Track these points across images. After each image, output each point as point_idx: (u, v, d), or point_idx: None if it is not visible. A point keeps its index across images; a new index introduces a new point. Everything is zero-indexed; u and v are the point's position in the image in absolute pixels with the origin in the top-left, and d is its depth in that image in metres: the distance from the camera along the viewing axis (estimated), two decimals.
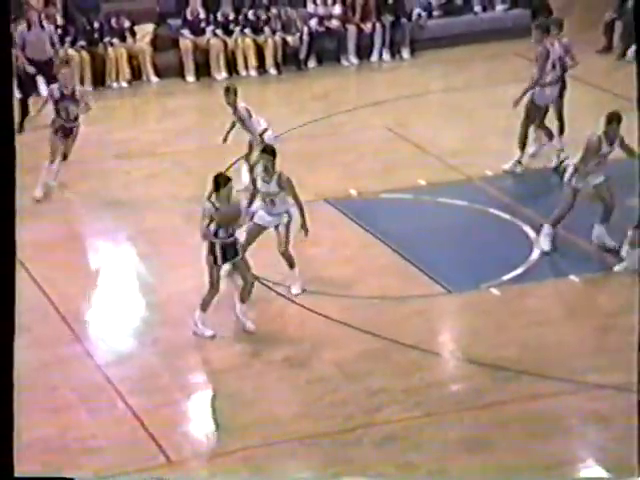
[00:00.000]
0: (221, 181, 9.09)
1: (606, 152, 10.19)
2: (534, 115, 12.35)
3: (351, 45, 17.18)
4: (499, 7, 18.10)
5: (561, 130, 12.69)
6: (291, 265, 9.93)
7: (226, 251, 9.10)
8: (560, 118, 12.68)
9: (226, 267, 9.46)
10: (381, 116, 14.58)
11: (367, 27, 17.23)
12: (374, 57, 17.30)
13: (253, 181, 10.64)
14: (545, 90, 12.30)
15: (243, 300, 9.34)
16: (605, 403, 8.26)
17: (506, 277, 10.10)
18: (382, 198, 11.93)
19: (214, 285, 9.18)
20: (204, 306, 9.23)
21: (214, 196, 9.08)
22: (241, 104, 11.78)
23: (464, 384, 8.70)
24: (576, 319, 9.37)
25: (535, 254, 10.51)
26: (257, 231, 9.96)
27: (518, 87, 12.72)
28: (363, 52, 17.25)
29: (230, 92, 11.75)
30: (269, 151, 9.92)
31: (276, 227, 9.92)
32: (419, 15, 17.56)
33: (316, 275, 10.25)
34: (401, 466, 7.62)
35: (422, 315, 9.67)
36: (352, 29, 17.17)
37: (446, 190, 11.93)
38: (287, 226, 9.87)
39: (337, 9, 17.35)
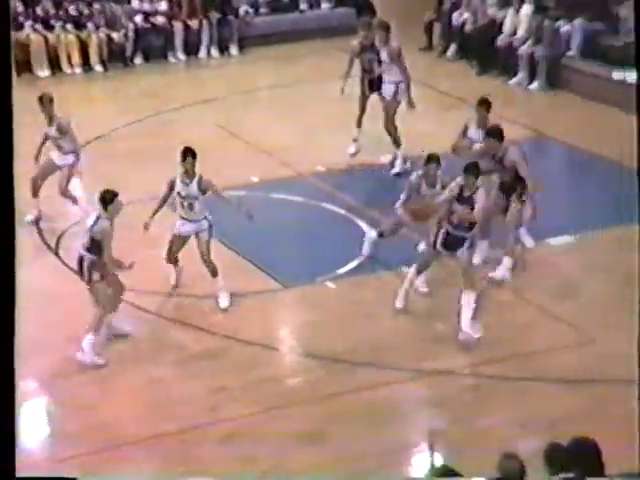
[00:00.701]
0: (107, 197, 8.79)
1: (426, 194, 9.73)
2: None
3: (178, 42, 17.05)
4: (325, 5, 18.35)
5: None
6: (214, 274, 9.69)
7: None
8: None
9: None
10: (211, 113, 14.52)
11: (194, 24, 17.12)
12: (202, 54, 17.22)
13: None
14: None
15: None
16: (439, 388, 8.49)
17: (341, 271, 10.23)
18: (214, 195, 11.84)
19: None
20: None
21: (104, 214, 8.77)
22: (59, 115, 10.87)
23: (302, 378, 8.78)
24: (409, 309, 9.56)
25: (367, 248, 10.65)
26: (180, 242, 9.73)
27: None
28: (191, 49, 17.15)
29: (45, 101, 10.83)
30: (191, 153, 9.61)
31: (197, 234, 9.68)
32: (246, 12, 17.59)
33: (153, 276, 10.11)
34: (243, 462, 7.61)
35: (259, 311, 9.69)
36: (178, 25, 17.03)
37: (279, 186, 11.98)
38: (209, 232, 9.64)
39: (163, 5, 17.18)
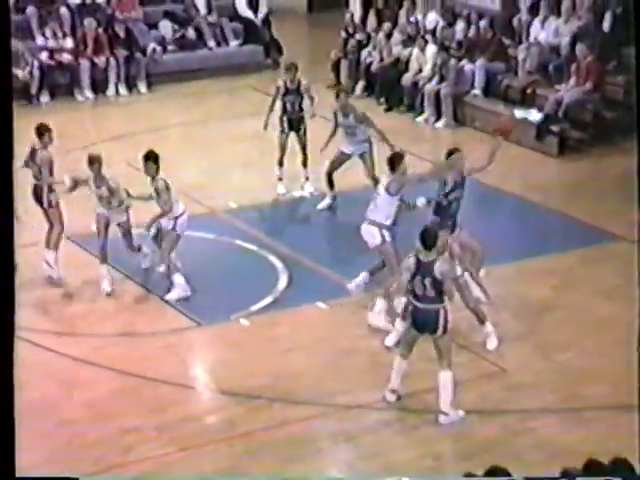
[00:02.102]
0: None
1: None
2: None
3: (85, 79, 16.92)
4: (232, 43, 18.43)
5: (304, 162, 12.92)
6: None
7: None
8: (304, 150, 12.89)
9: None
10: (120, 151, 14.41)
11: (101, 61, 17.03)
12: (110, 91, 17.13)
13: None
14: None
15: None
16: (353, 422, 8.53)
17: (255, 307, 10.23)
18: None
19: None
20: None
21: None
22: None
23: (217, 415, 8.73)
24: (324, 344, 9.61)
25: (282, 283, 10.70)
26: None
27: (254, 120, 12.99)
28: (98, 86, 17.04)
29: (150, 160, 10.56)
30: None
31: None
32: (154, 49, 17.57)
33: (61, 315, 9.98)
34: None
35: (172, 349, 9.62)
36: (85, 63, 16.92)
37: (191, 223, 11.91)
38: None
39: (68, 42, 17.05)
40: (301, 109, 12.76)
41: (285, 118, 12.69)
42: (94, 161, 10.64)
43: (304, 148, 12.78)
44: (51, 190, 10.82)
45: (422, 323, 8.34)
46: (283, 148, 12.77)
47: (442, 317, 8.27)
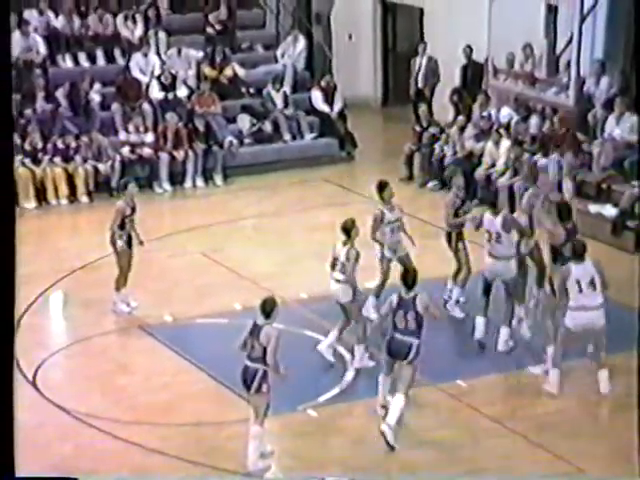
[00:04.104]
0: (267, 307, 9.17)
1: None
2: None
3: (163, 172, 17.30)
4: (307, 136, 18.71)
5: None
6: None
7: None
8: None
9: None
10: (195, 242, 14.64)
11: (179, 154, 17.42)
12: (187, 184, 17.47)
13: None
14: None
15: None
16: None
17: (322, 398, 10.18)
18: (197, 323, 11.89)
19: None
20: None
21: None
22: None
23: None
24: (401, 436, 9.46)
25: (349, 375, 10.65)
26: None
27: (328, 211, 13.07)
28: (176, 179, 17.40)
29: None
30: None
31: None
32: (231, 143, 17.92)
33: (131, 404, 10.04)
34: None
35: (241, 439, 9.58)
36: (164, 156, 17.31)
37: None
38: None
39: (149, 137, 17.49)
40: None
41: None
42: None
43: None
44: (119, 237, 11.89)
45: (396, 352, 9.42)
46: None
47: (414, 350, 9.30)
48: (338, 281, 10.86)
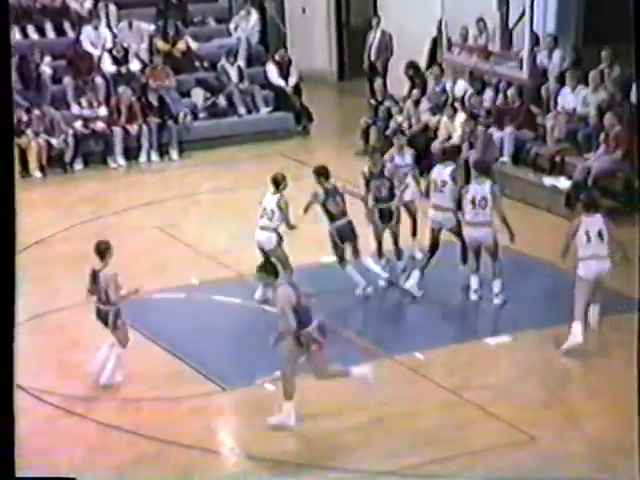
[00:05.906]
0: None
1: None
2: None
3: (118, 146, 17.16)
4: (263, 110, 18.63)
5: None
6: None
7: None
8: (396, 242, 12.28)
9: None
10: (151, 217, 14.56)
11: (133, 129, 17.27)
12: (142, 158, 17.34)
13: None
14: None
15: None
16: None
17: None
18: (153, 298, 11.83)
19: None
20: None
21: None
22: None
23: None
24: (352, 409, 9.51)
25: None
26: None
27: None
28: (131, 153, 17.26)
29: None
30: None
31: None
32: (185, 116, 17.80)
33: (87, 380, 9.97)
34: None
35: (198, 414, 9.58)
36: (118, 131, 17.16)
37: (219, 288, 11.98)
38: None
39: (102, 111, 17.32)
40: (392, 196, 11.87)
41: (376, 210, 11.78)
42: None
43: (396, 241, 12.07)
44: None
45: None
46: (380, 239, 11.95)
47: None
48: (263, 228, 11.41)
